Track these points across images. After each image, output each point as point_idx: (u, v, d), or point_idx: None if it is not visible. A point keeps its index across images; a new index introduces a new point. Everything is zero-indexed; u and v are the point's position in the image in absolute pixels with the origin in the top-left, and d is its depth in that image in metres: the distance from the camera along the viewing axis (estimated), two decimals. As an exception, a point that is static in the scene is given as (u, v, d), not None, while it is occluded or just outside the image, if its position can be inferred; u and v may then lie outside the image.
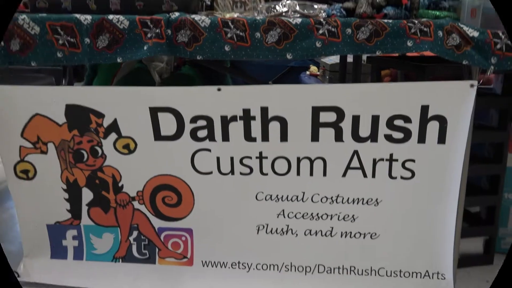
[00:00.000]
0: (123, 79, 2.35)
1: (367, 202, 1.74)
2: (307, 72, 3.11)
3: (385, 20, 1.54)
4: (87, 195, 1.80)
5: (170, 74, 2.37)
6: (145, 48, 1.55)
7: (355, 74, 2.21)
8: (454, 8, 1.71)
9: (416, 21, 1.53)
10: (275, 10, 1.61)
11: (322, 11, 1.63)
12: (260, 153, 1.70)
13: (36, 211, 1.82)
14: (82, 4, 1.64)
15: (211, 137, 1.69)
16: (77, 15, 1.56)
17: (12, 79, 1.73)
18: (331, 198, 1.74)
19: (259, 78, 2.87)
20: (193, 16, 1.55)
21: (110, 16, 1.55)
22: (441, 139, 1.64)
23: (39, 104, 1.68)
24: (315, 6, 1.63)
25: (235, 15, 1.63)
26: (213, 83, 2.40)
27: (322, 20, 1.53)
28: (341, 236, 1.78)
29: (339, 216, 1.77)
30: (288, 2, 1.62)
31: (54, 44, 1.57)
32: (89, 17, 1.56)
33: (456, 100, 1.60)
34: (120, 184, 1.77)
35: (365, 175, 1.70)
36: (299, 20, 1.54)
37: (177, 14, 1.57)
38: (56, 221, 1.83)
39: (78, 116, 1.69)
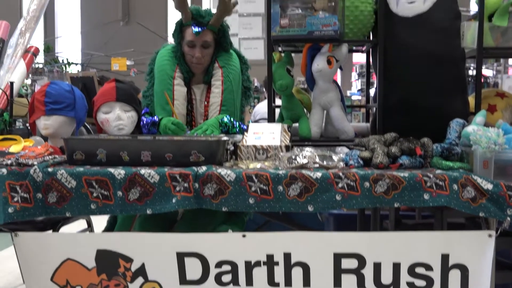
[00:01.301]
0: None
1: None
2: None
3: (401, 174, 1.61)
4: (111, 338, 1.81)
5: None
6: (173, 200, 1.64)
7: (374, 210, 2.26)
8: (467, 153, 1.78)
9: (431, 175, 1.60)
10: (296, 162, 1.71)
11: (340, 162, 1.72)
12: (284, 297, 1.73)
13: None
14: (116, 156, 1.76)
15: (235, 281, 1.72)
16: (112, 170, 1.67)
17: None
18: None
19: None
20: (219, 170, 1.65)
21: (142, 171, 1.67)
22: (464, 287, 1.65)
23: (71, 249, 1.75)
24: (334, 158, 1.73)
25: (258, 165, 1.73)
26: (235, 216, 2.47)
27: (341, 174, 1.62)
28: None
29: None
30: (308, 154, 1.72)
31: (89, 197, 1.67)
32: (122, 171, 1.67)
33: (476, 249, 1.63)
34: (144, 328, 1.79)
35: (389, 322, 1.70)
36: (319, 174, 1.63)
37: (204, 168, 1.67)
38: None
39: (107, 261, 1.75)
